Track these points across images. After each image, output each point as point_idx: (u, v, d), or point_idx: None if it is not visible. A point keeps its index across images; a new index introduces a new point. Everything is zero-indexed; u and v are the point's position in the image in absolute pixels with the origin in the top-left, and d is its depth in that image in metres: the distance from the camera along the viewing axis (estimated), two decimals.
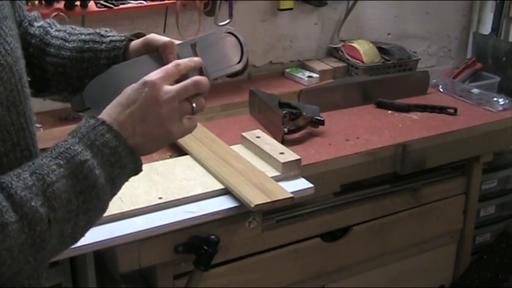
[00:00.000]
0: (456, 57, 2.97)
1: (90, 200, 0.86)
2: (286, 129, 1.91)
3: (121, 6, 2.00)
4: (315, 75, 2.45)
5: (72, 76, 1.06)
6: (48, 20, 1.13)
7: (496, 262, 2.45)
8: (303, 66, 2.55)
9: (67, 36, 1.08)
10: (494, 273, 2.42)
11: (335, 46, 2.58)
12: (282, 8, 2.43)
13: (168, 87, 0.92)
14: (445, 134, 2.07)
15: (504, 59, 2.72)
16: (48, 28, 1.11)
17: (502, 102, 2.28)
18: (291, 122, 1.94)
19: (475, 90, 2.40)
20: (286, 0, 2.42)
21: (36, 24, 1.12)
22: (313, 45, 2.60)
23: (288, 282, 1.97)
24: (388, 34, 2.76)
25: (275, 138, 1.83)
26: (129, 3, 2.03)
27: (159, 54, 1.01)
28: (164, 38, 1.03)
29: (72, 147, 0.85)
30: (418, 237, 2.20)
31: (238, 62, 1.04)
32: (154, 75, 0.92)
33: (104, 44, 1.05)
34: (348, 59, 2.49)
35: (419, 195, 2.14)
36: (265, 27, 2.47)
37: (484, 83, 2.61)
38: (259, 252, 1.88)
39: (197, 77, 0.96)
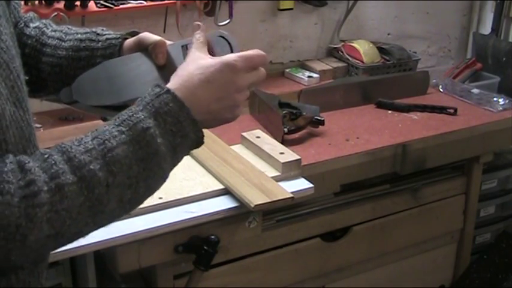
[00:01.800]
0: (456, 57, 2.97)
1: (150, 168, 0.87)
2: (286, 129, 1.91)
3: (121, 6, 2.00)
4: (315, 75, 2.45)
5: (69, 75, 1.06)
6: (44, 21, 1.14)
7: (496, 262, 2.45)
8: (303, 66, 2.55)
9: (63, 36, 1.09)
10: (494, 273, 2.42)
11: (335, 46, 2.58)
12: (282, 8, 2.43)
13: (246, 74, 0.95)
14: (445, 134, 2.07)
15: (504, 59, 2.72)
16: (44, 29, 1.11)
17: (502, 102, 2.28)
18: (291, 122, 1.94)
19: (475, 90, 2.40)
20: (286, 0, 2.42)
21: (32, 25, 1.12)
22: (313, 45, 2.60)
23: (288, 282, 1.97)
24: (388, 34, 2.76)
25: (275, 138, 1.83)
26: (129, 3, 2.03)
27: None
28: (155, 37, 1.05)
29: (135, 115, 0.86)
30: (418, 237, 2.20)
31: None
32: (237, 60, 0.94)
33: (100, 43, 1.06)
34: (348, 59, 2.49)
35: (420, 195, 2.14)
36: (265, 27, 2.47)
37: (484, 83, 2.61)
38: (259, 252, 1.88)
39: (264, 71, 0.98)
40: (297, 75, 2.46)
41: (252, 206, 1.46)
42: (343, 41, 2.58)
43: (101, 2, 1.98)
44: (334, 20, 2.61)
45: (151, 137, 0.86)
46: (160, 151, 0.87)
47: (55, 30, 1.10)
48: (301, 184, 1.64)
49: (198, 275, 1.56)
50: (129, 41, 1.07)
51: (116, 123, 0.87)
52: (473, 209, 2.31)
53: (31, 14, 1.15)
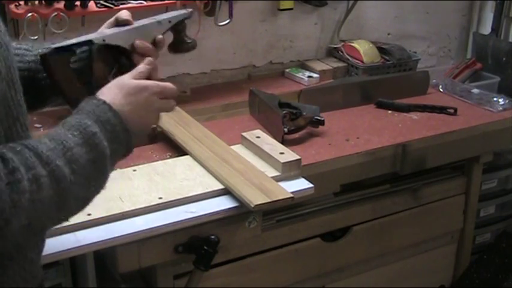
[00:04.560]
0: (456, 57, 2.97)
1: (100, 169, 0.97)
2: (286, 129, 1.91)
3: (121, 6, 2.00)
4: (315, 75, 2.45)
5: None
6: None
7: (496, 262, 2.45)
8: (303, 66, 2.55)
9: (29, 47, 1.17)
10: (494, 273, 2.42)
11: (335, 46, 2.58)
12: (282, 8, 2.43)
13: (158, 99, 1.10)
14: (445, 134, 2.07)
15: (504, 59, 2.72)
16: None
17: (502, 102, 2.28)
18: (291, 122, 1.94)
19: (475, 90, 2.40)
20: (286, 0, 2.42)
21: None
22: (313, 45, 2.60)
23: (288, 282, 1.97)
24: (388, 34, 2.76)
25: (275, 138, 1.83)
26: (129, 3, 2.03)
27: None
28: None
29: (82, 121, 0.96)
30: (418, 237, 2.20)
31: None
32: (154, 86, 1.10)
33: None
34: (348, 59, 2.49)
35: (420, 195, 2.14)
36: (265, 27, 2.47)
37: (484, 83, 2.61)
38: (259, 252, 1.88)
39: (174, 103, 1.14)
40: (297, 75, 2.46)
41: (252, 206, 1.46)
42: (343, 41, 2.58)
43: (101, 2, 1.98)
44: (334, 20, 2.61)
45: (99, 140, 0.96)
46: (106, 153, 0.98)
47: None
48: (301, 184, 1.63)
49: (198, 275, 1.56)
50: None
51: (66, 128, 0.95)
52: (473, 209, 2.31)
53: None
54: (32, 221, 0.88)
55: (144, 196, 1.51)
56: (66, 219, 0.97)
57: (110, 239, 1.38)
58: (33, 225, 0.89)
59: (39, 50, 1.15)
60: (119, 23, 1.21)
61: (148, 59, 1.14)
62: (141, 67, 1.13)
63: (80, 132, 0.95)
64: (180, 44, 1.32)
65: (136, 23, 1.22)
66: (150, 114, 1.08)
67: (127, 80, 1.08)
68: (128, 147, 1.04)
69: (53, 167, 0.89)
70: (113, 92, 1.04)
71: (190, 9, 1.31)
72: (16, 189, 0.84)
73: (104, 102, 1.00)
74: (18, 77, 0.97)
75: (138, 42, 1.18)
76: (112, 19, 1.21)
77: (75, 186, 0.92)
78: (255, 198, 1.48)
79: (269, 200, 1.48)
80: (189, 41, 1.32)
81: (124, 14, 1.21)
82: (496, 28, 2.80)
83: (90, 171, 0.95)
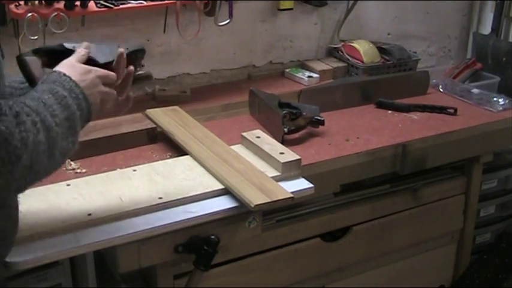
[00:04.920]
0: (456, 57, 2.97)
1: (73, 127, 1.10)
2: (286, 129, 1.91)
3: (121, 6, 2.00)
4: (315, 75, 2.45)
5: None
6: None
7: (496, 262, 2.45)
8: (303, 66, 2.55)
9: None
10: (494, 273, 2.42)
11: (335, 46, 2.58)
12: (282, 8, 2.43)
13: (92, 67, 1.21)
14: (445, 134, 2.07)
15: (504, 59, 2.72)
16: None
17: (502, 102, 2.28)
18: (291, 122, 1.94)
19: (475, 90, 2.40)
20: (286, 0, 2.42)
21: None
22: (313, 45, 2.60)
23: (288, 282, 1.97)
24: (388, 34, 2.76)
25: (275, 138, 1.83)
26: (129, 3, 2.03)
27: None
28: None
29: (51, 86, 1.10)
30: (418, 237, 2.20)
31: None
32: (98, 71, 1.21)
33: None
34: (348, 59, 2.49)
35: (419, 195, 2.14)
36: (265, 27, 2.47)
37: (484, 83, 2.61)
38: (259, 252, 1.88)
39: (114, 93, 1.24)
40: (297, 75, 2.46)
41: (252, 206, 1.46)
42: (343, 41, 2.58)
43: (101, 2, 1.98)
44: (334, 20, 2.61)
45: (70, 102, 1.09)
46: (77, 114, 1.11)
47: None
48: (301, 184, 1.64)
49: (198, 275, 1.56)
50: None
51: (39, 92, 1.08)
52: (473, 209, 2.31)
53: None
54: (33, 164, 1.00)
55: (144, 196, 1.51)
56: (51, 172, 1.09)
57: (110, 239, 1.38)
58: (33, 168, 1.01)
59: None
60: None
61: (86, 43, 1.25)
62: (82, 51, 1.23)
63: (52, 95, 1.07)
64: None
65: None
66: (96, 95, 1.19)
67: (74, 61, 1.19)
68: (88, 116, 1.16)
69: (43, 117, 1.02)
70: (67, 70, 1.15)
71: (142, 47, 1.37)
72: (24, 129, 0.97)
73: (65, 74, 1.13)
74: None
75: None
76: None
77: (59, 137, 1.05)
78: (255, 198, 1.48)
79: (269, 200, 1.48)
80: (139, 72, 1.38)
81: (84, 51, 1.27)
82: (496, 28, 2.80)
83: (67, 127, 1.08)
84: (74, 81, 1.13)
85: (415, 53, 2.63)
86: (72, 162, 1.71)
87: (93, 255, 1.74)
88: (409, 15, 2.78)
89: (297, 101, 2.15)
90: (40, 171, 1.05)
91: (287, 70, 2.51)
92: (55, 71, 1.15)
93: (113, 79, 1.24)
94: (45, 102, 1.05)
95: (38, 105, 1.04)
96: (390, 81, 2.38)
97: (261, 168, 1.65)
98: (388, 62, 2.48)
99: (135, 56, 1.35)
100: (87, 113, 1.15)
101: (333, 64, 2.52)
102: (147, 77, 1.42)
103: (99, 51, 1.27)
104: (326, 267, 2.04)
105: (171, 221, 1.45)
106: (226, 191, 1.56)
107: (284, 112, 1.95)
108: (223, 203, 1.53)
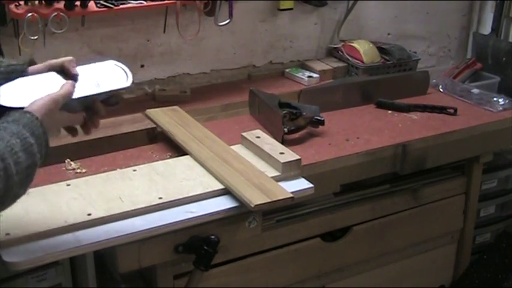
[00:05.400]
0: (456, 57, 2.97)
1: (31, 174, 1.14)
2: (286, 129, 1.91)
3: (121, 6, 2.00)
4: (315, 75, 2.45)
5: None
6: None
7: (496, 262, 2.45)
8: (303, 66, 2.55)
9: None
10: (494, 273, 2.42)
11: (335, 46, 2.58)
12: (282, 8, 2.43)
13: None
14: (445, 134, 2.07)
15: (504, 59, 2.72)
16: None
17: (502, 102, 2.28)
18: (291, 122, 1.94)
19: (475, 90, 2.40)
20: (286, 0, 2.42)
21: None
22: (313, 45, 2.60)
23: (288, 282, 1.97)
24: (388, 34, 2.76)
25: (275, 138, 1.83)
26: (129, 3, 2.02)
27: (62, 71, 1.28)
28: (63, 58, 1.30)
29: (21, 131, 1.11)
30: (418, 237, 2.20)
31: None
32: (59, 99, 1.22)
33: (1, 68, 1.26)
34: (348, 59, 2.49)
35: (420, 195, 2.14)
36: (265, 27, 2.47)
37: (484, 83, 2.61)
38: (259, 252, 1.88)
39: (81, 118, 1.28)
40: (297, 75, 2.46)
41: (252, 206, 1.46)
42: (343, 41, 2.58)
43: (101, 2, 1.98)
44: (334, 20, 2.61)
45: (35, 151, 1.12)
46: (38, 162, 1.14)
47: None
48: (301, 184, 1.63)
49: (198, 275, 1.56)
50: (37, 66, 1.29)
51: (9, 134, 1.10)
52: (473, 209, 2.31)
53: None
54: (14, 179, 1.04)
55: (144, 196, 1.51)
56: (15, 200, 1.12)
57: (110, 239, 1.38)
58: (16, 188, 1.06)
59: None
60: (64, 70, 1.29)
61: (70, 84, 1.25)
62: (67, 90, 1.22)
63: (20, 140, 1.10)
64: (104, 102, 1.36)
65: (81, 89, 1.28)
66: (57, 130, 1.26)
67: (53, 105, 1.19)
68: (45, 159, 1.19)
69: (7, 164, 1.06)
70: (41, 113, 1.16)
71: (130, 83, 1.34)
72: None
73: (37, 118, 1.15)
74: None
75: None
76: (57, 62, 1.29)
77: (16, 185, 1.08)
78: (255, 198, 1.48)
79: (269, 200, 1.48)
80: (114, 102, 1.36)
81: (71, 65, 1.29)
82: (496, 28, 2.80)
83: (26, 175, 1.11)
84: (43, 128, 1.15)
85: (415, 53, 2.63)
86: (72, 162, 1.71)
87: (93, 255, 1.74)
88: (409, 15, 2.78)
89: (297, 101, 2.15)
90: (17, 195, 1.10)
91: (287, 70, 2.50)
92: (29, 113, 1.15)
93: (79, 123, 1.28)
94: (12, 148, 1.08)
95: (5, 149, 1.07)
96: (390, 81, 2.38)
97: (261, 168, 1.65)
98: (388, 62, 2.48)
99: (113, 100, 1.33)
100: (45, 157, 1.18)
101: (333, 64, 2.52)
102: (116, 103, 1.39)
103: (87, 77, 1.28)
104: (326, 267, 2.04)
105: (171, 221, 1.45)
106: (226, 191, 1.56)
107: (284, 112, 1.95)
108: (223, 203, 1.53)
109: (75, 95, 1.24)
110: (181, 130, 1.85)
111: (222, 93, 2.30)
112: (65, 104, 1.21)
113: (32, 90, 1.21)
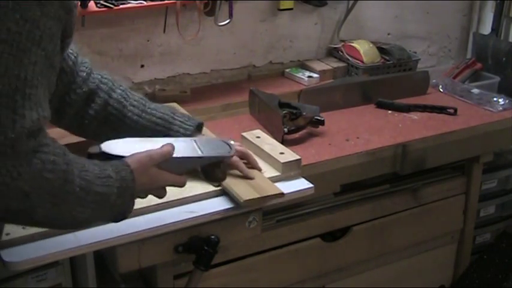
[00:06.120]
0: (456, 57, 2.97)
1: (101, 203, 1.12)
2: (286, 129, 1.91)
3: (121, 6, 2.00)
4: (315, 75, 2.45)
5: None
6: (121, 88, 1.47)
7: (496, 262, 2.45)
8: (303, 66, 2.55)
9: (141, 113, 1.44)
10: (494, 273, 2.42)
11: (335, 46, 2.58)
12: (282, 8, 2.43)
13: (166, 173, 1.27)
14: (445, 134, 2.07)
15: (504, 59, 2.72)
16: (124, 102, 1.44)
17: (502, 102, 2.28)
18: (291, 122, 1.94)
19: (475, 90, 2.40)
20: (286, 0, 2.42)
21: (112, 92, 1.45)
22: (313, 45, 2.60)
23: (288, 282, 1.97)
24: (388, 34, 2.76)
25: (275, 138, 1.83)
26: (129, 3, 2.03)
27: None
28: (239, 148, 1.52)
29: (105, 166, 1.13)
30: (418, 237, 2.20)
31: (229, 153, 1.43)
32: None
33: (175, 127, 1.46)
34: (348, 59, 2.49)
35: (420, 195, 2.14)
36: (265, 27, 2.47)
37: (484, 83, 2.61)
38: (259, 252, 1.88)
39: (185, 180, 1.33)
40: (297, 75, 2.46)
41: (242, 201, 1.46)
42: (343, 41, 2.58)
43: (101, 2, 1.98)
44: (334, 20, 2.61)
45: (112, 184, 1.12)
46: (112, 195, 1.12)
47: (133, 105, 1.44)
48: (301, 184, 1.63)
49: (198, 275, 1.56)
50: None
51: (91, 163, 1.10)
52: (473, 209, 2.31)
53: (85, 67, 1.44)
54: (30, 193, 0.98)
55: None
56: (52, 222, 1.09)
57: (110, 239, 1.38)
58: (30, 197, 0.99)
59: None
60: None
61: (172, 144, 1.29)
62: (165, 152, 1.26)
63: (99, 168, 1.11)
64: (207, 174, 1.49)
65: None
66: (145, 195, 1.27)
67: (150, 163, 1.22)
68: (124, 214, 1.20)
69: (69, 169, 1.03)
70: (138, 171, 1.18)
71: (232, 152, 1.44)
72: (40, 159, 0.98)
73: (128, 165, 1.16)
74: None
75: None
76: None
77: (73, 196, 1.05)
78: (245, 194, 1.48)
79: (258, 196, 1.48)
80: (218, 176, 1.48)
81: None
82: (496, 28, 2.80)
83: (92, 200, 1.08)
84: (132, 175, 1.16)
85: (415, 53, 2.63)
86: None
87: (93, 255, 1.74)
88: (409, 15, 2.78)
89: (297, 101, 2.15)
90: (37, 211, 1.02)
91: (287, 70, 2.50)
92: (122, 160, 1.17)
93: (180, 185, 1.31)
94: (84, 166, 1.08)
95: (77, 164, 1.06)
96: (390, 81, 2.38)
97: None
98: (388, 62, 2.48)
99: (218, 163, 1.43)
100: (128, 203, 1.18)
101: (333, 64, 2.52)
102: (221, 180, 1.50)
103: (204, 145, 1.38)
104: (326, 267, 2.04)
105: (171, 221, 1.45)
106: (226, 191, 1.56)
107: (284, 112, 1.95)
108: (223, 203, 1.53)
109: (175, 155, 1.27)
110: None
111: (222, 93, 2.30)
112: (166, 164, 1.25)
113: (139, 146, 1.27)
